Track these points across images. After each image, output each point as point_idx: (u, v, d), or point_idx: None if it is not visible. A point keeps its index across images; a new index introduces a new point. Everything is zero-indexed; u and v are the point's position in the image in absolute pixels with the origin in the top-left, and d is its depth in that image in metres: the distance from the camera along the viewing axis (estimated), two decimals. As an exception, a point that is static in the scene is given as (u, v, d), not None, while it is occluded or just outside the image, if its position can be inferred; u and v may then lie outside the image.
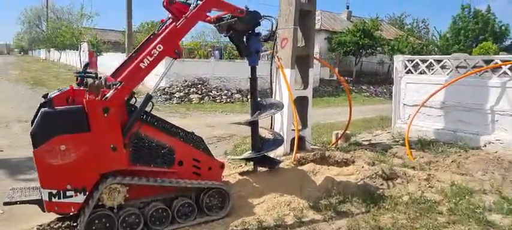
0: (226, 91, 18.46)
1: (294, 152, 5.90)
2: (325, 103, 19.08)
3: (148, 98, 3.64)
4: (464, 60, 7.88)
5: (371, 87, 27.01)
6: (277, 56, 6.45)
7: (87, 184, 3.35)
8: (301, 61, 6.63)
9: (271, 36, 4.65)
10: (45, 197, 3.25)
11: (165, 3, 3.89)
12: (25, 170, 6.03)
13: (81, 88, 3.53)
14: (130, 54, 4.08)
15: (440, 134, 7.94)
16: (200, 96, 17.32)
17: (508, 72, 6.98)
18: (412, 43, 30.45)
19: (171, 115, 13.31)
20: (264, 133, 5.15)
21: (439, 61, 8.23)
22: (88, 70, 3.81)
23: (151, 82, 18.71)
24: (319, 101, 18.36)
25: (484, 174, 5.87)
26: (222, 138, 9.24)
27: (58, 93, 3.41)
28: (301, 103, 6.70)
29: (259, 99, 5.01)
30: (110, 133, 3.38)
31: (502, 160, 6.37)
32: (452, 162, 6.38)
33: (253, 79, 4.66)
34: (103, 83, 3.40)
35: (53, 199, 3.26)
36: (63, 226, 3.85)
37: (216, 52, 30.35)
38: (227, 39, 4.84)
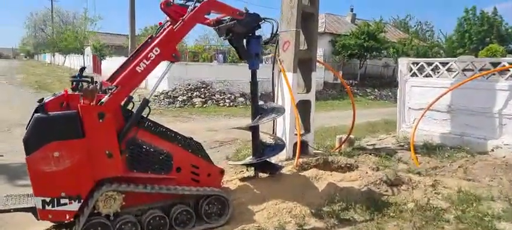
0: (229, 95, 18.40)
1: (296, 157, 5.78)
2: (329, 106, 18.95)
3: (145, 103, 3.55)
4: (471, 62, 7.73)
5: (375, 90, 26.84)
6: (279, 59, 6.35)
7: (82, 192, 3.26)
8: (304, 64, 6.52)
9: (272, 39, 4.54)
10: (39, 205, 3.17)
11: (162, 6, 3.81)
12: (24, 176, 5.90)
13: (76, 92, 3.45)
14: (127, 58, 3.99)
15: (447, 138, 7.79)
16: (203, 99, 17.27)
17: (516, 74, 6.83)
18: (417, 45, 30.26)
19: (174, 119, 13.28)
20: (265, 138, 5.03)
21: (444, 64, 8.08)
22: (91, 74, 3.74)
23: (160, 85, 18.72)
24: (323, 104, 18.23)
25: (492, 180, 5.70)
26: (224, 142, 9.15)
27: (52, 97, 3.33)
28: (303, 107, 6.59)
29: (261, 102, 4.91)
30: (105, 139, 3.29)
31: (510, 165, 6.20)
32: (459, 167, 6.22)
33: (254, 83, 4.56)
34: (98, 88, 3.31)
35: (47, 207, 3.17)
36: (59, 233, 3.76)
37: (220, 55, 30.38)
38: None
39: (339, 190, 4.84)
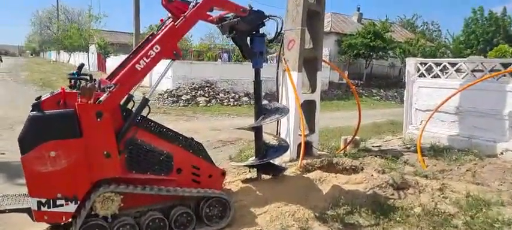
0: (233, 94, 18.31)
1: (300, 158, 5.67)
2: (335, 106, 18.79)
3: (145, 102, 3.45)
4: (481, 63, 7.56)
5: (381, 90, 26.63)
6: (284, 58, 6.23)
7: (79, 193, 3.16)
8: (309, 64, 6.40)
9: (277, 37, 4.41)
10: (34, 207, 3.08)
11: (163, 2, 3.71)
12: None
13: (74, 91, 3.35)
14: (128, 55, 3.89)
15: (454, 141, 7.62)
16: (207, 98, 17.20)
17: (528, 76, 6.66)
18: (424, 45, 29.99)
19: (178, 118, 13.21)
20: (269, 139, 4.92)
21: (453, 64, 7.91)
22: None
23: (161, 83, 18.72)
24: (328, 105, 18.08)
25: (501, 184, 5.56)
26: (227, 142, 9.05)
27: (49, 95, 3.24)
28: (308, 108, 6.46)
29: (265, 102, 4.79)
30: (103, 138, 3.19)
31: (520, 169, 6.07)
32: (467, 170, 6.08)
33: (257, 82, 4.44)
34: (96, 86, 3.22)
35: (42, 208, 3.08)
36: (56, 235, 3.67)
37: (225, 55, 30.33)
38: None
39: (343, 193, 4.71)
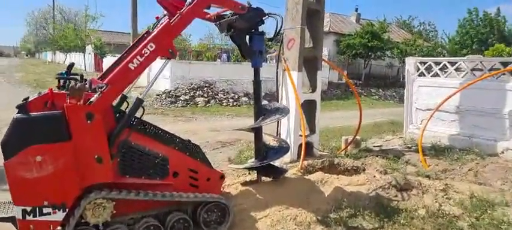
0: (233, 94, 18.15)
1: (301, 159, 5.53)
2: (334, 106, 18.67)
3: (139, 102, 3.30)
4: (480, 62, 7.45)
5: (380, 90, 26.58)
6: (284, 58, 6.09)
7: (67, 200, 2.99)
8: (309, 63, 6.26)
9: (276, 35, 4.27)
10: (19, 216, 2.89)
11: (158, -1, 3.56)
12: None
13: (63, 91, 3.19)
14: (121, 54, 3.74)
15: (455, 140, 7.52)
16: (206, 99, 17.02)
17: (529, 75, 6.55)
18: (421, 46, 29.97)
19: (176, 118, 13.05)
20: (269, 140, 4.77)
21: (453, 63, 7.81)
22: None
23: (159, 83, 18.58)
24: (327, 104, 17.96)
25: (504, 184, 5.45)
26: (227, 143, 8.88)
27: (37, 96, 3.07)
28: (308, 108, 6.33)
29: (265, 102, 4.65)
30: (94, 142, 3.03)
31: (522, 168, 5.96)
32: (469, 170, 5.97)
33: (257, 82, 4.29)
34: (86, 86, 3.06)
35: (28, 217, 2.89)
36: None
37: (224, 55, 30.21)
38: None
39: (346, 195, 4.58)
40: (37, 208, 2.90)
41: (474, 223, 4.07)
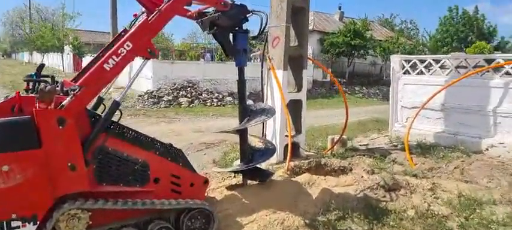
0: (217, 94, 17.92)
1: (287, 161, 5.40)
2: (319, 105, 18.66)
3: (116, 105, 3.09)
4: (465, 59, 7.47)
5: (364, 88, 26.78)
6: (269, 56, 5.95)
7: (39, 212, 2.76)
8: (294, 62, 6.13)
9: (261, 33, 4.11)
10: None
11: (136, -5, 3.36)
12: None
13: (32, 95, 2.95)
14: (97, 53, 3.52)
15: (440, 137, 7.53)
16: (190, 99, 16.74)
17: (511, 71, 6.57)
18: (403, 44, 30.31)
19: (159, 120, 12.77)
20: (254, 141, 4.61)
21: (437, 61, 7.81)
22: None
23: (141, 83, 18.19)
24: (312, 103, 17.91)
25: (490, 181, 5.45)
26: (211, 144, 8.68)
27: (3, 100, 2.83)
28: (294, 107, 6.21)
29: (250, 102, 4.49)
30: (66, 149, 2.82)
31: (507, 165, 5.99)
32: (455, 168, 5.95)
33: (241, 81, 4.13)
34: (57, 88, 2.84)
35: None
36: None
37: (208, 54, 29.90)
38: None
39: (334, 196, 4.47)
40: (5, 222, 2.66)
41: (463, 223, 4.02)
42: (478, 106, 7.05)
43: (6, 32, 59.30)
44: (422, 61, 8.01)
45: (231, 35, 4.00)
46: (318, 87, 23.90)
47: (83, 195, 2.98)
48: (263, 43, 6.09)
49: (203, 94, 17.50)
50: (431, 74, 7.82)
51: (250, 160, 4.28)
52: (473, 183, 5.33)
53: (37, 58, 40.45)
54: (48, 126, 2.71)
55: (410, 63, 8.15)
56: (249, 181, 4.55)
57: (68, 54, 31.67)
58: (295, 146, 6.12)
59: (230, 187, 4.51)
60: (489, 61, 7.01)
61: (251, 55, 23.93)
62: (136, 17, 3.65)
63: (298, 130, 6.28)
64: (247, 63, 4.27)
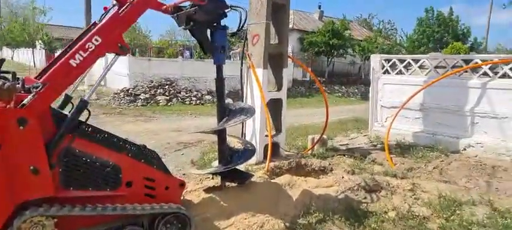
0: (196, 93, 17.61)
1: (267, 161, 5.28)
2: (299, 103, 18.67)
3: (83, 104, 2.88)
4: (444, 59, 7.53)
5: (343, 87, 27.02)
6: (248, 54, 5.79)
7: None
8: (275, 60, 6.01)
9: (240, 30, 3.95)
10: None
11: (106, -14, 3.14)
12: None
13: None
14: (64, 48, 3.28)
15: (419, 137, 7.57)
16: (167, 97, 16.39)
17: (489, 72, 6.66)
18: (381, 44, 30.78)
19: (136, 118, 12.42)
20: (233, 142, 4.45)
21: (417, 61, 7.84)
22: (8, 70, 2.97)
23: (117, 81, 17.72)
24: (292, 102, 17.88)
25: (468, 181, 5.51)
26: (189, 144, 8.47)
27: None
28: (274, 106, 6.09)
29: (229, 101, 4.32)
30: (28, 151, 2.59)
31: (484, 165, 6.07)
32: (434, 168, 6.00)
33: (220, 79, 3.96)
34: (18, 86, 2.61)
35: None
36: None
37: (187, 52, 29.49)
38: None
39: (314, 198, 4.38)
40: None
41: (444, 224, 4.00)
42: (456, 106, 7.11)
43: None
44: (401, 61, 8.04)
45: (208, 32, 3.82)
46: (298, 85, 23.95)
47: (47, 201, 2.76)
48: (243, 41, 5.92)
49: (182, 93, 17.17)
50: (410, 74, 7.86)
51: (228, 161, 4.12)
52: (452, 183, 5.35)
53: (8, 54, 38.90)
54: (7, 126, 2.48)
55: (390, 63, 8.17)
56: (227, 183, 4.39)
57: (40, 49, 30.57)
58: (276, 146, 6.01)
59: (208, 190, 4.33)
60: (467, 61, 7.07)
61: (230, 53, 23.71)
62: (106, 10, 3.42)
63: (278, 130, 6.17)
64: (226, 60, 4.11)
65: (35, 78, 3.02)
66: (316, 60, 29.09)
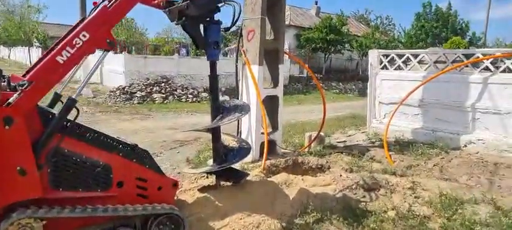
0: (192, 90, 17.48)
1: (264, 160, 5.19)
2: (295, 100, 18.57)
3: (71, 102, 2.77)
4: (443, 54, 7.43)
5: (340, 83, 26.93)
6: (243, 50, 5.69)
7: None
8: (270, 56, 5.91)
9: (234, 24, 3.84)
10: None
11: (94, -21, 3.03)
12: None
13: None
14: (52, 45, 3.17)
15: (418, 134, 7.48)
16: (164, 95, 16.25)
17: (490, 66, 6.56)
18: (378, 39, 30.69)
19: (132, 116, 12.31)
20: (228, 140, 4.36)
21: (416, 56, 7.75)
22: None
23: (113, 79, 17.59)
24: (289, 99, 17.80)
25: (470, 179, 5.40)
26: (185, 141, 8.36)
27: None
28: (270, 103, 5.99)
29: (226, 97, 4.22)
30: (14, 151, 2.50)
31: (486, 162, 5.98)
32: (434, 165, 5.91)
33: (213, 76, 3.85)
34: (3, 84, 2.51)
35: None
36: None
37: (183, 49, 29.29)
38: None
39: (312, 197, 4.27)
40: None
41: (446, 224, 3.88)
42: (456, 102, 7.00)
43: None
44: (400, 56, 7.94)
45: (202, 27, 3.72)
46: (294, 82, 23.84)
47: (35, 202, 2.67)
48: (237, 37, 5.82)
49: (178, 90, 17.04)
50: (409, 69, 7.76)
51: (223, 160, 4.02)
52: (453, 181, 5.24)
53: (4, 52, 38.70)
54: (-9, 126, 2.38)
55: (388, 58, 8.07)
56: (222, 182, 4.29)
57: (37, 48, 30.38)
58: (272, 143, 5.92)
59: (202, 189, 4.23)
60: (468, 56, 6.96)
61: (226, 49, 23.57)
62: (96, 5, 3.31)
63: (274, 127, 6.08)
64: (223, 57, 4.00)
65: (23, 76, 2.91)
66: (314, 57, 29.00)
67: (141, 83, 16.69)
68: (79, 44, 2.70)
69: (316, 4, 35.89)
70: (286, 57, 20.19)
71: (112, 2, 2.86)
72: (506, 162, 5.92)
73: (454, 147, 6.80)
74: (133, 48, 27.41)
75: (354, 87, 26.64)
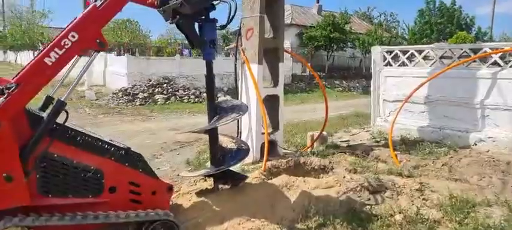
0: (194, 91, 17.38)
1: (264, 161, 5.04)
2: (298, 99, 18.40)
3: (60, 105, 2.66)
4: (449, 49, 7.24)
5: (344, 81, 26.73)
6: (242, 49, 5.56)
7: None
8: (270, 54, 5.77)
9: (229, 22, 3.70)
10: None
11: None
12: None
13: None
14: (43, 48, 3.06)
15: (425, 132, 7.28)
16: (166, 96, 16.19)
17: (499, 61, 6.34)
18: (381, 36, 30.42)
19: (134, 118, 12.26)
20: (226, 142, 4.22)
21: (420, 51, 7.55)
22: None
23: (115, 80, 17.55)
24: (292, 98, 17.64)
25: (481, 179, 5.16)
26: (186, 143, 8.27)
27: None
28: (271, 103, 5.86)
29: (227, 97, 4.09)
30: (0, 157, 2.39)
31: (497, 161, 5.73)
32: (443, 165, 5.67)
33: (209, 77, 3.73)
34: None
35: None
36: None
37: (186, 50, 29.18)
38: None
39: (314, 200, 4.12)
40: None
41: (458, 229, 3.68)
42: (464, 98, 6.76)
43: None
44: (404, 52, 7.74)
45: (197, 26, 3.59)
46: (297, 81, 23.67)
47: (23, 210, 2.57)
48: (235, 36, 5.70)
49: (180, 91, 16.96)
50: (414, 66, 7.57)
51: (221, 162, 3.89)
52: (464, 182, 5.00)
53: (12, 57, 39.09)
54: (-26, 130, 2.26)
55: (392, 55, 7.88)
56: (220, 186, 4.16)
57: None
58: (273, 144, 5.78)
59: (200, 193, 4.10)
60: (475, 51, 6.74)
61: (226, 48, 23.43)
62: (88, 5, 3.19)
63: (275, 127, 5.95)
64: (223, 56, 3.87)
65: (13, 78, 2.80)
66: (316, 55, 28.79)
67: (143, 84, 16.65)
68: (68, 44, 2.59)
69: (318, 2, 35.67)
70: (287, 55, 20.03)
71: (103, 1, 2.73)
72: (518, 160, 5.70)
73: (463, 145, 6.57)
74: (136, 50, 27.44)
75: (357, 84, 26.43)
